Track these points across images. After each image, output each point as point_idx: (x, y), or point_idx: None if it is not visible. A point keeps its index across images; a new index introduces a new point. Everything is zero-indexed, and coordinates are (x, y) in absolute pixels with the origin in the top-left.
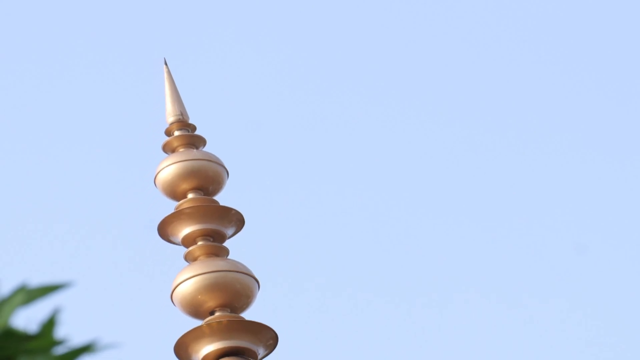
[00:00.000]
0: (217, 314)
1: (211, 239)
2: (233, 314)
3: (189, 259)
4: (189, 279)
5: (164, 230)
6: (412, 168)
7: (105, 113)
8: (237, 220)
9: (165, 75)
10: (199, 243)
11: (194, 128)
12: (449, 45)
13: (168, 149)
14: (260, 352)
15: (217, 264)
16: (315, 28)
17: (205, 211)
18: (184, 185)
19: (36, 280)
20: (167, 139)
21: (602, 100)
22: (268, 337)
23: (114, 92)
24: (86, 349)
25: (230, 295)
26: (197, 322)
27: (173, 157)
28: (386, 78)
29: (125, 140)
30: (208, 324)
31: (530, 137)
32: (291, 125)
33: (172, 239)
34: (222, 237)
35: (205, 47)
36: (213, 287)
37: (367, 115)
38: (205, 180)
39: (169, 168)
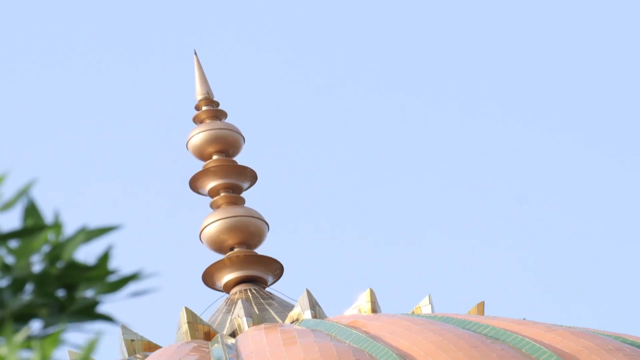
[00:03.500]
0: (235, 249)
1: (231, 191)
2: (248, 250)
3: (214, 206)
4: (214, 222)
5: (194, 184)
6: (394, 136)
7: (150, 92)
8: (251, 176)
9: (195, 63)
10: (222, 194)
11: (217, 104)
12: (447, 42)
13: (197, 120)
14: (270, 279)
15: (236, 210)
16: (313, 28)
17: (227, 169)
18: (210, 149)
19: (94, 222)
20: (196, 112)
21: (540, 70)
22: (275, 267)
23: (156, 77)
24: (133, 277)
25: (246, 235)
26: (220, 256)
27: (201, 127)
28: (385, 81)
29: (164, 113)
30: (228, 258)
31: (480, 102)
32: (294, 101)
33: (200, 191)
34: (239, 189)
35: (228, 40)
36: (232, 228)
37: (359, 99)
38: (227, 144)
39: (198, 135)
